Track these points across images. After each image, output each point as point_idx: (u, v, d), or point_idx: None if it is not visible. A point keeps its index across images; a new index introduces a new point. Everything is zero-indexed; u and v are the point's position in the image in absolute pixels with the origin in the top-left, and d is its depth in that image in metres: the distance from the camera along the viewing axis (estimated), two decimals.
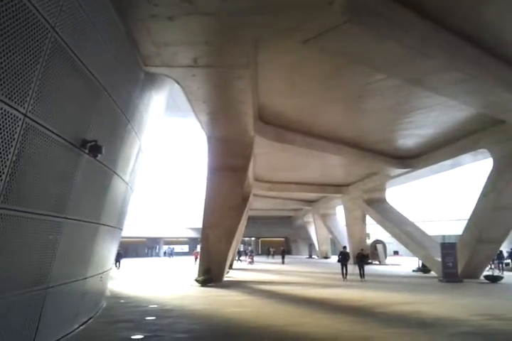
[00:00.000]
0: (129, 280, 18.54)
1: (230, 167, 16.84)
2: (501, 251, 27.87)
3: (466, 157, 19.47)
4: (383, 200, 29.63)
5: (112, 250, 9.98)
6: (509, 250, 29.07)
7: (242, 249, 42.82)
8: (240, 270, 26.27)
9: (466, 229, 18.86)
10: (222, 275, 17.31)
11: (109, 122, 7.34)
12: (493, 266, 23.56)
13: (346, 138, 19.58)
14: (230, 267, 25.13)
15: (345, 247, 21.98)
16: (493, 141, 16.94)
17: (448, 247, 18.68)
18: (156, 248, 55.29)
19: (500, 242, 19.13)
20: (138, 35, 8.32)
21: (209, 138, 16.32)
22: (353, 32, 8.58)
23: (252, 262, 34.52)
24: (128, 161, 9.05)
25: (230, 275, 20.62)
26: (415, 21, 9.01)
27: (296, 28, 8.48)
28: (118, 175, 8.26)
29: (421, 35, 9.25)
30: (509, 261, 27.74)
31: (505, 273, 22.22)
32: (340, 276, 18.84)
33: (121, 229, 10.30)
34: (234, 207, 16.90)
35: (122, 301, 11.70)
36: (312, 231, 50.46)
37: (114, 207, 8.80)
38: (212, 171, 17.19)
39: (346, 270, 18.85)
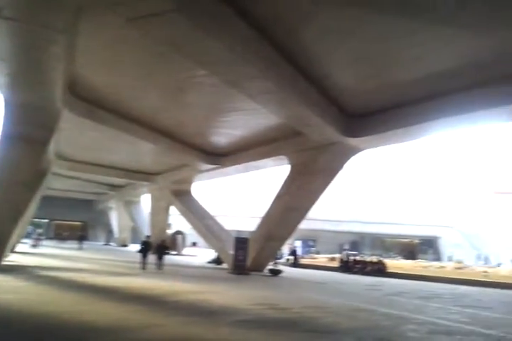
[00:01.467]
0: None
1: (28, 138, 14.89)
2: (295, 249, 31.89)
3: (269, 161, 21.34)
4: (189, 193, 30.33)
5: None
6: (291, 247, 33.10)
7: (29, 231, 38.64)
8: (26, 254, 23.65)
9: (259, 226, 20.68)
10: (0, 258, 15.27)
11: None
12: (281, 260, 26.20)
13: (163, 127, 19.43)
14: (14, 250, 22.40)
15: (148, 236, 21.75)
16: (292, 150, 18.96)
17: (241, 242, 20.04)
18: None
19: (285, 240, 21.62)
20: None
21: (7, 103, 14.20)
22: (180, 23, 8.48)
23: (35, 245, 31.30)
24: None
25: (12, 259, 18.37)
26: (242, 27, 9.44)
27: (122, 3, 7.98)
28: None
29: (244, 41, 9.72)
30: (290, 257, 31.28)
31: (287, 268, 24.96)
32: (138, 265, 18.55)
33: None
34: (26, 182, 15.03)
35: None
36: (113, 217, 48.73)
37: None
38: (6, 140, 14.98)
39: (146, 259, 18.62)
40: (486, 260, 40.58)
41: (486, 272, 26.19)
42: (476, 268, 29.17)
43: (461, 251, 43.29)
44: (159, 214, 33.94)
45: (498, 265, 36.45)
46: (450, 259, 40.30)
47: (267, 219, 20.26)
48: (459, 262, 33.31)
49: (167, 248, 21.72)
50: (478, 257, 41.83)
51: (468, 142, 61.86)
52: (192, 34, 8.89)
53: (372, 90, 13.08)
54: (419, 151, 57.44)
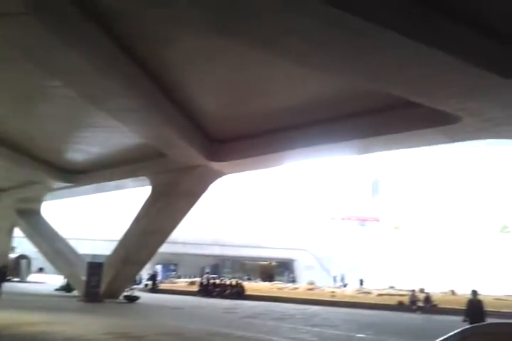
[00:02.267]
0: None
1: None
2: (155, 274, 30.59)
3: (129, 181, 20.43)
4: (37, 212, 27.49)
5: None
6: (151, 272, 31.82)
7: None
8: None
9: (115, 250, 19.49)
10: None
11: None
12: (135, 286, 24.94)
13: (9, 140, 17.41)
14: None
15: None
16: (154, 171, 18.44)
17: (94, 267, 18.74)
18: None
19: (143, 264, 20.68)
20: None
21: None
22: (33, 27, 7.72)
23: None
24: None
25: None
26: (105, 41, 8.95)
27: None
28: None
29: (106, 55, 9.23)
30: (148, 282, 30.05)
31: (145, 294, 23.84)
32: None
33: None
34: None
35: None
36: None
37: None
38: None
39: None
40: (343, 280, 43.92)
41: (333, 292, 28.21)
42: (325, 289, 31.24)
43: (314, 273, 46.14)
44: (0, 235, 30.05)
45: (345, 285, 39.66)
46: (339, 280, 43.00)
47: (125, 242, 19.21)
48: (311, 283, 35.39)
49: (5, 274, 19.30)
50: (335, 278, 45.06)
51: (322, 170, 67.36)
52: (48, 41, 8.15)
53: (233, 117, 13.42)
54: (279, 177, 60.74)
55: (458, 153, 67.84)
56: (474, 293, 11.59)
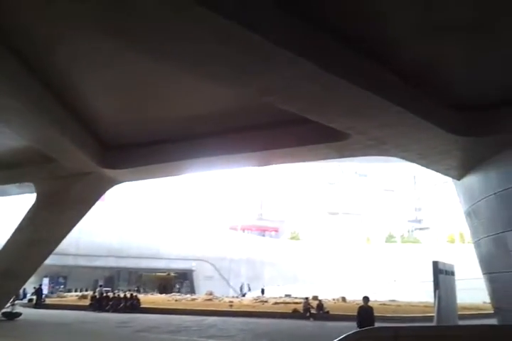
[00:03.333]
0: None
1: None
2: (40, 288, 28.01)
3: (12, 187, 18.69)
4: None
5: None
6: (37, 286, 29.34)
7: None
8: None
9: None
10: None
11: None
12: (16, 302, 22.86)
13: None
14: None
15: None
16: (40, 177, 17.03)
17: None
18: None
19: (27, 278, 18.89)
20: None
21: None
22: None
23: None
24: None
25: None
26: None
27: None
28: None
29: None
30: (33, 297, 27.82)
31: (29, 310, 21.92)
32: None
33: None
34: None
35: None
36: None
37: None
38: None
39: None
40: (242, 290, 44.17)
41: (231, 302, 28.30)
42: (223, 299, 31.25)
43: (214, 283, 46.01)
44: None
45: (243, 295, 40.04)
46: (245, 289, 42.56)
47: (5, 254, 17.42)
48: (210, 294, 35.23)
49: None
50: (242, 288, 45.24)
51: (224, 180, 67.92)
52: None
53: (131, 123, 12.92)
54: (180, 186, 60.02)
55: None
56: (365, 299, 12.27)
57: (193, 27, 5.46)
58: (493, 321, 13.44)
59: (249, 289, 45.02)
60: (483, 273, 13.72)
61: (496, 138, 10.06)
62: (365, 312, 11.70)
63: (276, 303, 28.70)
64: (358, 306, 12.24)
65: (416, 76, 8.34)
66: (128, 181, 17.53)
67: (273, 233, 67.73)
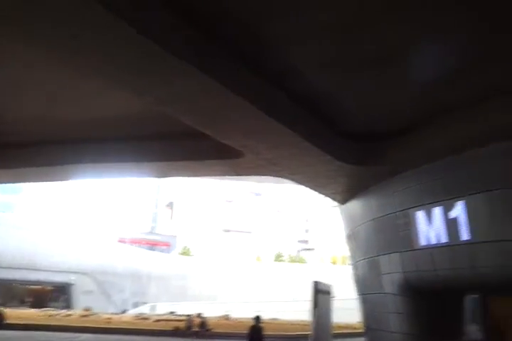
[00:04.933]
0: None
1: None
2: None
3: None
4: None
5: None
6: None
7: None
8: None
9: None
10: None
11: None
12: None
13: None
14: None
15: None
16: None
17: None
18: None
19: None
20: None
21: None
22: None
23: None
24: None
25: None
26: None
27: None
28: None
29: None
30: None
31: None
32: None
33: None
34: None
35: None
36: None
37: None
38: None
39: None
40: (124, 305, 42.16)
41: (109, 319, 26.83)
42: (102, 315, 29.54)
43: (93, 298, 43.43)
44: None
45: (123, 311, 38.23)
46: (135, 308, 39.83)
47: None
48: (87, 309, 33.14)
49: None
50: (137, 304, 43.14)
51: (114, 191, 65.40)
52: None
53: (13, 122, 11.79)
54: (63, 195, 56.54)
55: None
56: (257, 318, 12.54)
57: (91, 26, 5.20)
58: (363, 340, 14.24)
59: (137, 305, 43.16)
60: (358, 294, 14.55)
61: (379, 168, 10.88)
62: (254, 332, 12.01)
63: (157, 320, 27.83)
64: (250, 325, 12.42)
65: (311, 103, 8.74)
66: (10, 182, 15.94)
67: (164, 248, 66.07)
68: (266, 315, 30.84)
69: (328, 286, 15.03)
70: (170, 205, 77.05)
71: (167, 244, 67.76)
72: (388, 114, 9.50)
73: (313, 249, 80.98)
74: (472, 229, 9.08)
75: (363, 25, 6.29)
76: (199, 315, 26.84)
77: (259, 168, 11.60)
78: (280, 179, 13.94)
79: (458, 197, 9.37)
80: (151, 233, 71.96)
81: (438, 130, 9.27)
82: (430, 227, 10.04)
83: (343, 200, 14.62)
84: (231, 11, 6.01)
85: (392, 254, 11.56)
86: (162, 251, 63.37)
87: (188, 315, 25.06)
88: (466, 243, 9.22)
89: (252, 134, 8.59)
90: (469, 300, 11.14)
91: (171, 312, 34.12)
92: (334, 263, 65.49)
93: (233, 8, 5.97)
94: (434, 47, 6.88)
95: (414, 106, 9.02)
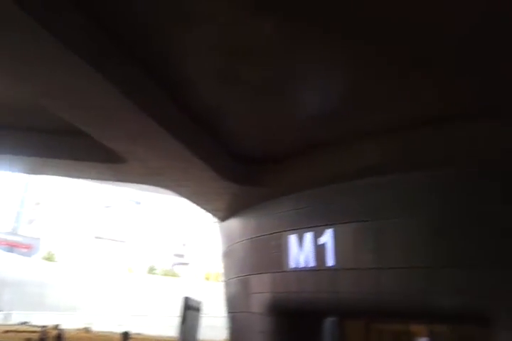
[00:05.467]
0: None
1: None
2: None
3: None
4: None
5: None
6: None
7: None
8: None
9: None
10: None
11: None
12: None
13: None
14: None
15: None
16: None
17: None
18: None
19: None
20: None
21: None
22: None
23: None
24: None
25: None
26: None
27: None
28: None
29: None
30: None
31: None
32: None
33: None
34: None
35: None
36: None
37: None
38: None
39: None
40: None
41: None
42: None
43: None
44: None
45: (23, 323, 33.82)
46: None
47: None
48: None
49: None
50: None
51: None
52: None
53: None
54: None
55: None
56: (125, 334, 11.98)
57: None
58: None
59: None
60: (227, 312, 14.56)
61: (261, 190, 11.15)
62: None
63: (6, 331, 24.90)
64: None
65: (204, 119, 8.69)
66: None
67: (25, 250, 59.95)
68: (131, 330, 29.52)
69: (199, 303, 14.88)
70: (37, 205, 70.66)
71: (28, 247, 61.63)
72: (273, 139, 9.84)
73: (188, 264, 79.91)
74: (336, 256, 9.68)
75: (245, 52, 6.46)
76: (56, 327, 24.64)
77: (142, 176, 11.14)
78: (163, 189, 13.56)
79: (328, 225, 9.94)
80: (11, 233, 65.05)
81: (315, 161, 9.84)
82: (300, 251, 10.47)
83: (223, 217, 14.68)
84: (135, 13, 5.77)
85: (263, 274, 11.80)
86: (23, 254, 57.46)
87: (44, 326, 22.83)
88: (330, 269, 9.78)
89: (137, 140, 8.21)
90: (328, 323, 11.73)
91: (24, 323, 30.81)
92: (207, 279, 65.29)
93: (136, 11, 5.73)
94: (312, 83, 7.29)
95: (297, 136, 9.46)
